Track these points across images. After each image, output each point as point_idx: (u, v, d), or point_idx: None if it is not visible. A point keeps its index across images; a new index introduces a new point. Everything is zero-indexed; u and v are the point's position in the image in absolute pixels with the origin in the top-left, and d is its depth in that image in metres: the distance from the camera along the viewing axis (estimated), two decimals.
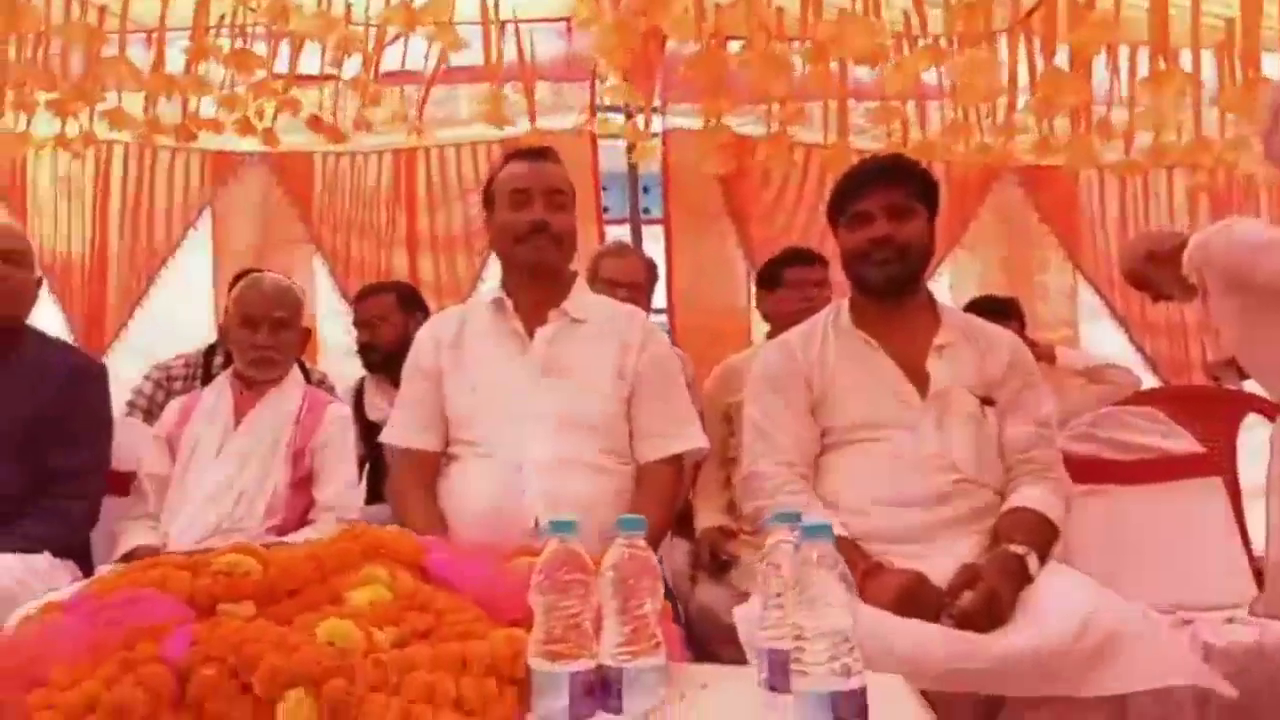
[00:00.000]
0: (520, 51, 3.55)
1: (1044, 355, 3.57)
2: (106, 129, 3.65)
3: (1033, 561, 1.84)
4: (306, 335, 2.67)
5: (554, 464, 1.98)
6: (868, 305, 2.15)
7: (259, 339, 2.48)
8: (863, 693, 1.02)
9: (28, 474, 2.33)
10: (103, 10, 3.22)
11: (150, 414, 3.18)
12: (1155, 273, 1.82)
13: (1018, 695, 1.69)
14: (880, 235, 2.05)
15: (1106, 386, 3.44)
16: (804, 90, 3.62)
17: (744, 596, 2.54)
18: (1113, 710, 1.68)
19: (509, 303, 2.18)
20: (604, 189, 4.79)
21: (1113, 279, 4.33)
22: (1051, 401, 2.18)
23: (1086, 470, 2.61)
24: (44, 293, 4.23)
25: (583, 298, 2.22)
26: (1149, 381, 4.01)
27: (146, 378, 3.35)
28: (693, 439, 2.17)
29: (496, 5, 3.35)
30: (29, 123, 3.57)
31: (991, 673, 1.64)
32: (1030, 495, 1.98)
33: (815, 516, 1.96)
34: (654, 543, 2.03)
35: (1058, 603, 1.73)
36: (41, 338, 2.53)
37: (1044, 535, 1.93)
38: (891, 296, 2.11)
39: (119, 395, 3.78)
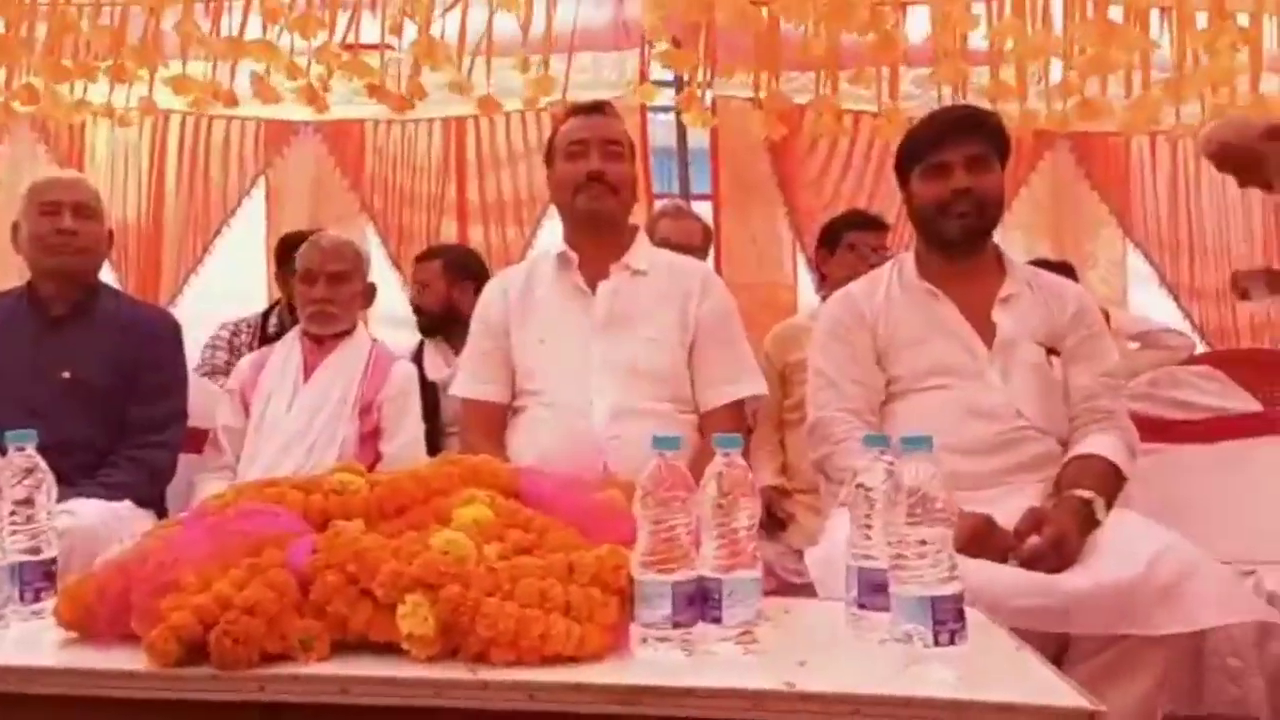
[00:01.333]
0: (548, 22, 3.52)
1: None
2: (168, 96, 3.72)
3: (1099, 506, 1.86)
4: (370, 291, 2.72)
5: (618, 413, 2.02)
6: (934, 258, 2.16)
7: (316, 293, 2.54)
8: (960, 598, 1.06)
9: (110, 425, 2.40)
10: None
11: (217, 375, 3.25)
12: (1274, 151, 1.78)
13: (1086, 633, 1.71)
14: (961, 187, 2.05)
15: (1161, 351, 3.44)
16: (854, 57, 3.63)
17: (798, 555, 2.59)
18: (1175, 651, 1.71)
19: (573, 256, 2.22)
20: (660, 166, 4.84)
21: (1163, 245, 4.31)
22: (1117, 353, 2.20)
23: (1145, 429, 2.60)
24: None
25: (644, 250, 2.25)
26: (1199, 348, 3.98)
27: (213, 337, 3.43)
28: (754, 385, 2.21)
29: None
30: (85, 89, 3.63)
31: (1060, 610, 1.67)
32: (1096, 442, 2.00)
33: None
34: None
35: (1126, 543, 1.76)
36: (116, 294, 2.61)
37: (1110, 482, 1.94)
38: (964, 250, 2.11)
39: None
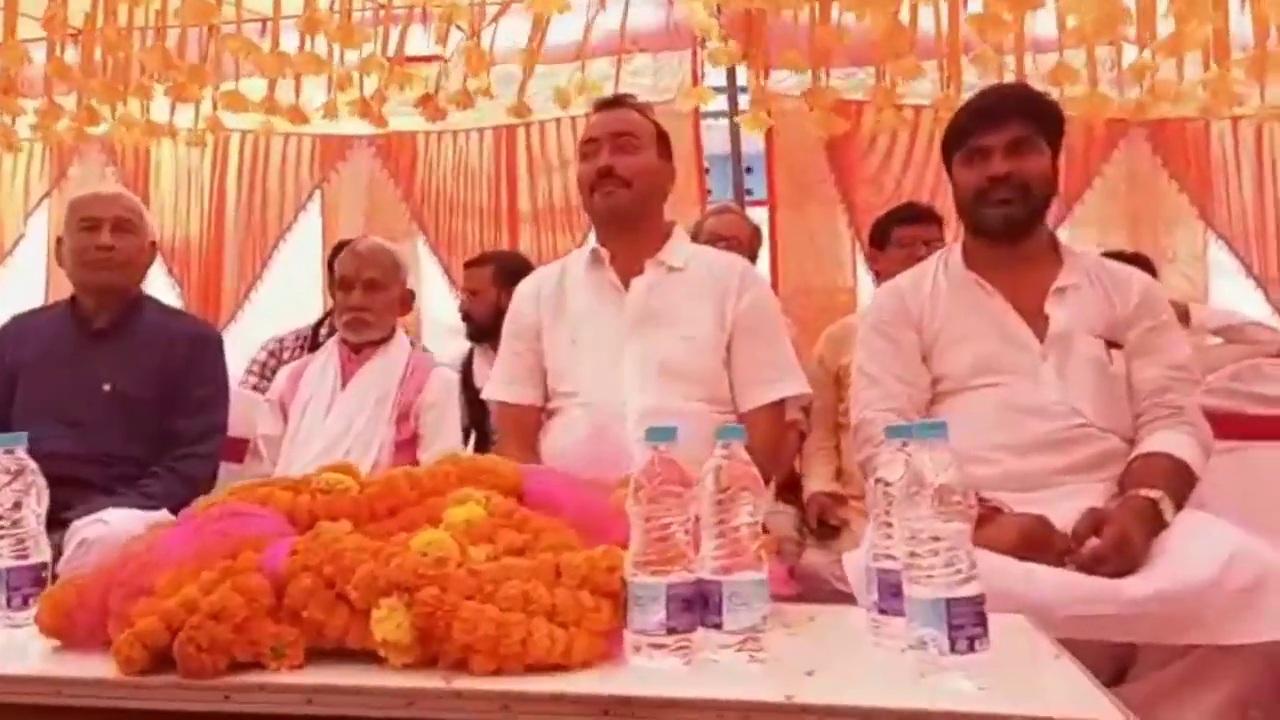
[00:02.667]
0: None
1: (1178, 315, 3.37)
2: (226, 115, 3.76)
3: (1167, 506, 1.72)
4: (408, 298, 2.69)
5: (652, 412, 1.93)
6: (982, 248, 2.04)
7: (351, 300, 2.52)
8: (980, 600, 0.95)
9: (151, 437, 2.41)
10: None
11: (263, 385, 3.26)
12: None
13: (1152, 643, 1.57)
14: (1000, 173, 1.93)
15: (1246, 346, 3.22)
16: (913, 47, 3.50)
17: None
18: (1254, 663, 1.55)
19: (605, 254, 2.15)
20: (707, 171, 4.76)
21: (1249, 236, 4.07)
22: (1188, 346, 2.04)
23: (1225, 425, 2.45)
24: (163, 277, 4.48)
25: (681, 246, 2.17)
26: None
27: (261, 349, 3.44)
28: (794, 385, 2.10)
29: None
30: (146, 110, 3.69)
31: (1124, 618, 1.53)
32: (1164, 439, 1.85)
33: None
34: None
35: (1196, 546, 1.61)
36: (160, 306, 2.62)
37: (1179, 481, 1.80)
38: (1008, 238, 1.98)
39: (235, 372, 3.93)
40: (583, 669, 1.03)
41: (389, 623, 1.02)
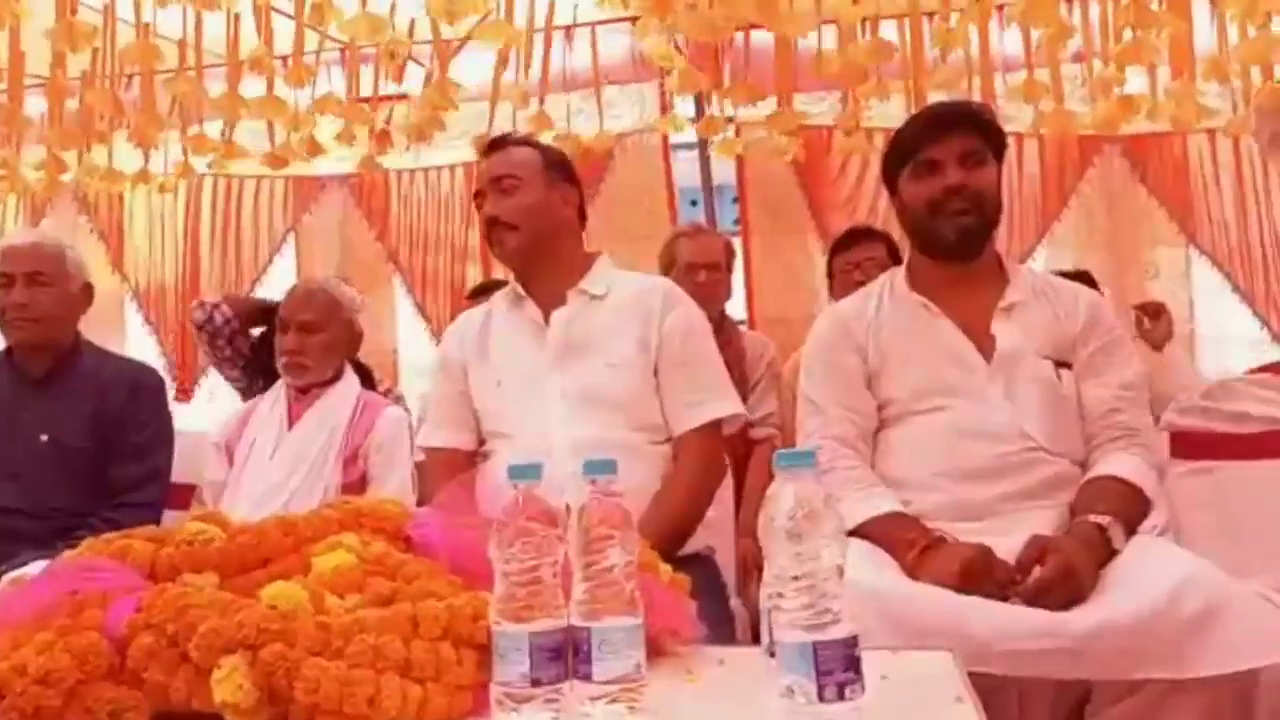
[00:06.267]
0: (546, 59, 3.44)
1: (1160, 335, 3.28)
2: (194, 159, 3.74)
3: (1116, 533, 1.64)
4: (355, 338, 2.63)
5: (581, 445, 1.86)
6: (928, 267, 1.98)
7: (286, 343, 2.47)
8: (852, 642, 0.88)
9: (90, 488, 2.37)
10: (182, 43, 3.30)
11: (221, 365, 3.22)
12: None
13: (1103, 679, 1.49)
14: (955, 183, 1.87)
15: None
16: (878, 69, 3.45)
17: None
18: (1216, 696, 1.46)
19: (522, 291, 2.10)
20: (692, 203, 4.71)
21: (1232, 250, 3.98)
22: (1139, 363, 1.97)
23: (1196, 445, 2.39)
24: (139, 323, 4.45)
25: (604, 274, 2.10)
26: None
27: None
28: (726, 405, 2.01)
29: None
30: (109, 156, 3.67)
31: (1071, 652, 1.46)
32: (1114, 462, 1.78)
33: (873, 491, 1.81)
34: (688, 518, 1.92)
35: (1145, 573, 1.53)
36: (98, 352, 2.56)
37: (1130, 505, 1.72)
38: (961, 253, 1.92)
39: (215, 417, 3.88)
40: None
41: (229, 684, 0.95)
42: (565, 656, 0.99)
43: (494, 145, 2.13)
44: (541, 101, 3.32)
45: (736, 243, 4.16)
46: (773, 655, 1.04)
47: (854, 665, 0.87)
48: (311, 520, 1.23)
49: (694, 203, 4.91)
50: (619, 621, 0.99)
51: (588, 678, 0.98)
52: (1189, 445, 2.39)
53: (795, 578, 0.87)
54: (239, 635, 0.97)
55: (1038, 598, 1.53)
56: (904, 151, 1.96)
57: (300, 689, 0.93)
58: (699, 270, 3.08)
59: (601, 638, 0.98)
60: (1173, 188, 4.03)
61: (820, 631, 0.87)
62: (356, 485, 2.43)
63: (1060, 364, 1.87)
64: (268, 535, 1.19)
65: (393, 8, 2.82)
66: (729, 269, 3.25)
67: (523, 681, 0.97)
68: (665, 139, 4.17)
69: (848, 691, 0.86)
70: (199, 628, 0.98)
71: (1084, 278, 3.01)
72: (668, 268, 3.13)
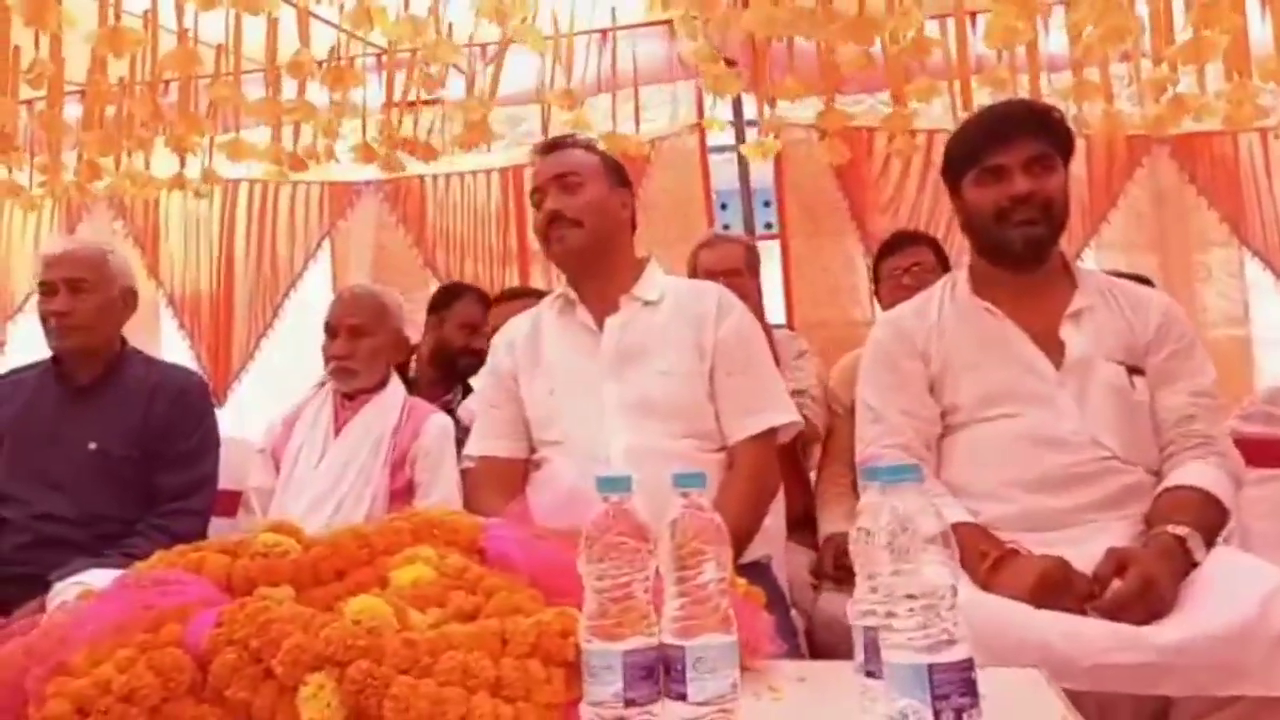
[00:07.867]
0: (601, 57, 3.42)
1: None
2: (228, 165, 3.73)
3: (1196, 544, 1.59)
4: (403, 344, 2.61)
5: (635, 454, 1.84)
6: (992, 272, 1.93)
7: (334, 348, 2.45)
8: (967, 665, 0.84)
9: (137, 495, 2.35)
10: (220, 48, 3.30)
11: None
12: None
13: (1186, 695, 1.44)
14: (1023, 191, 1.82)
15: None
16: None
17: None
18: None
19: (574, 296, 2.07)
20: (723, 207, 4.67)
21: None
22: (1213, 370, 1.92)
23: (1261, 452, 2.33)
24: (174, 329, 4.46)
25: (656, 279, 2.07)
26: None
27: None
28: (782, 413, 1.98)
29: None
30: (146, 162, 3.67)
31: (1154, 667, 1.41)
32: (1191, 472, 1.73)
33: (940, 500, 1.76)
34: (744, 531, 1.86)
35: (1231, 585, 1.48)
36: (144, 359, 2.54)
37: (1209, 516, 1.67)
38: (1030, 260, 1.87)
39: (248, 423, 3.87)
40: None
41: (317, 701, 0.93)
42: (657, 675, 0.96)
43: (554, 145, 2.11)
44: (572, 104, 3.29)
45: (774, 246, 4.14)
46: (870, 675, 1.01)
47: (971, 689, 0.83)
48: (385, 532, 1.21)
49: (724, 206, 4.89)
50: (714, 639, 0.96)
51: (682, 697, 0.95)
52: (1253, 452, 2.33)
53: (909, 596, 0.83)
54: (326, 651, 0.94)
55: (1117, 612, 1.49)
56: (967, 155, 1.92)
57: (390, 708, 0.91)
58: (717, 277, 3.04)
59: (696, 656, 0.95)
60: (1223, 188, 3.95)
61: (935, 653, 0.83)
62: (403, 492, 2.40)
63: (1132, 370, 1.82)
64: (343, 547, 1.17)
65: (433, 11, 2.79)
66: (754, 273, 3.19)
67: (615, 701, 0.94)
68: (703, 143, 4.12)
69: (965, 717, 0.83)
70: (283, 644, 0.96)
71: (1141, 282, 2.96)
72: (691, 278, 3.09)
